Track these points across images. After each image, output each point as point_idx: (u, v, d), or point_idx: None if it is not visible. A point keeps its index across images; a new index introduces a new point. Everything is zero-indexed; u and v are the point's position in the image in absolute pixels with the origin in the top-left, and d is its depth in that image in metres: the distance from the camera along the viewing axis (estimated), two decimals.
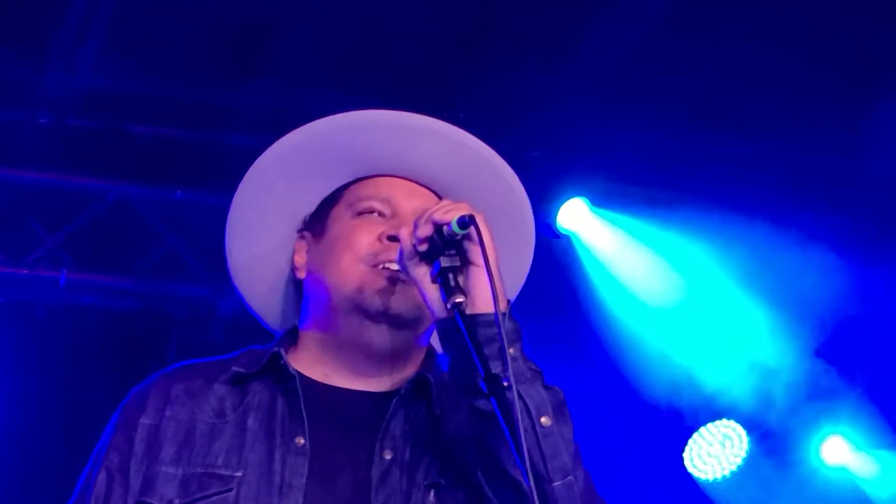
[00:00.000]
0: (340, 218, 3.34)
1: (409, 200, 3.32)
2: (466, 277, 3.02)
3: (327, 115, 3.39)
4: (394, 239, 3.20)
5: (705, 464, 7.66)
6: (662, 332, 7.24)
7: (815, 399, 7.47)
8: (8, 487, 6.60)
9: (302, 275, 3.37)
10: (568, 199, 6.91)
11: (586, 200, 6.95)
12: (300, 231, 3.42)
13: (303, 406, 3.17)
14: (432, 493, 3.11)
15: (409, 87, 6.09)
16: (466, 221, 2.98)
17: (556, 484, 2.99)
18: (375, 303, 3.20)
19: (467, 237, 3.01)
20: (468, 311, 2.98)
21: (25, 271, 6.82)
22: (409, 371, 3.29)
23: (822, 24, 6.28)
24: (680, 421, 7.53)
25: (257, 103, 6.66)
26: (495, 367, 2.89)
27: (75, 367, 6.88)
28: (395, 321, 3.21)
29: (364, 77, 6.31)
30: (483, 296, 2.98)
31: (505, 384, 2.84)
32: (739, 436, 7.61)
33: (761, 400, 7.43)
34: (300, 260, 3.39)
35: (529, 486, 2.63)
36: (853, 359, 7.42)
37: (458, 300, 2.96)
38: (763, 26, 6.34)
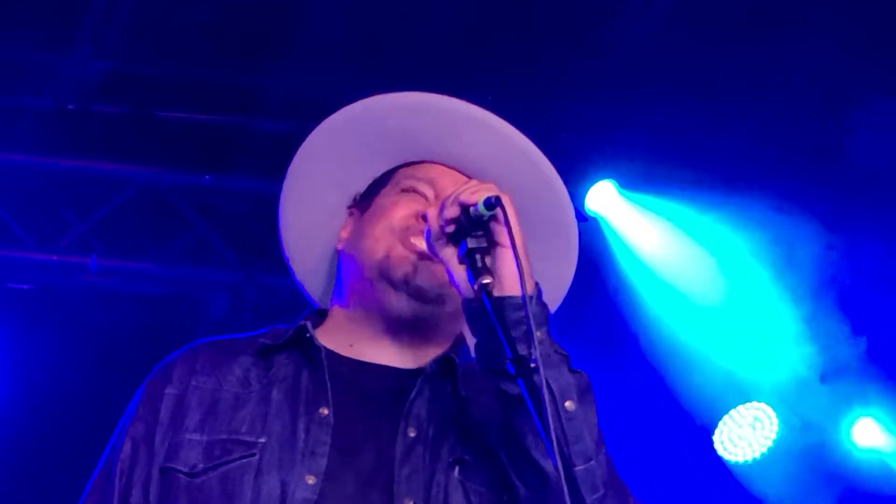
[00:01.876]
0: (386, 194, 3.38)
1: (454, 186, 3.28)
2: (493, 259, 3.01)
3: (355, 99, 3.42)
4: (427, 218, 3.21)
5: (735, 446, 7.64)
6: (691, 315, 7.21)
7: (846, 381, 7.43)
8: (38, 472, 6.64)
9: (341, 246, 3.41)
10: (596, 181, 6.90)
11: (614, 183, 6.93)
12: (350, 208, 3.46)
13: (327, 377, 3.18)
14: (457, 469, 3.11)
15: (435, 71, 6.07)
16: (493, 202, 2.97)
17: (578, 468, 2.97)
18: (399, 273, 3.22)
19: (494, 218, 3.00)
20: (495, 293, 2.97)
21: (55, 257, 6.84)
22: (435, 351, 3.29)
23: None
24: (710, 403, 7.50)
25: (285, 87, 6.65)
26: (522, 350, 2.88)
27: (105, 352, 6.91)
28: (416, 293, 3.22)
29: (391, 59, 6.29)
30: (510, 277, 2.97)
31: (532, 366, 2.82)
32: (770, 418, 7.58)
33: (792, 382, 7.39)
34: (344, 234, 3.43)
35: (557, 467, 2.61)
36: (884, 341, 7.38)
37: (485, 281, 2.95)
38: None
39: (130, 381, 3.43)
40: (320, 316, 3.40)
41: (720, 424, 7.61)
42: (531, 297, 2.96)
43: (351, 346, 3.29)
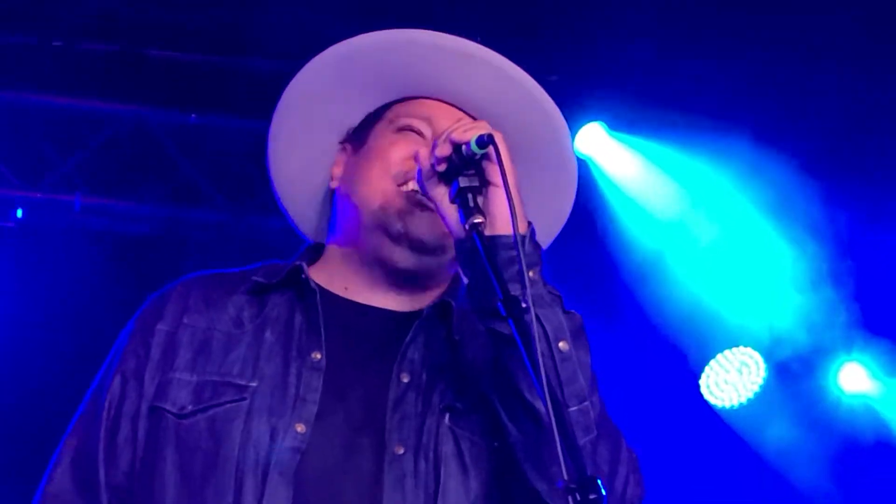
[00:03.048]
0: (382, 132, 3.33)
1: (450, 123, 3.25)
2: (486, 198, 2.98)
3: (346, 36, 3.38)
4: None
5: (722, 391, 7.64)
6: (680, 258, 7.20)
7: (833, 327, 7.43)
8: (19, 409, 6.62)
9: (335, 184, 3.37)
10: (586, 123, 6.86)
11: (604, 125, 6.90)
12: (342, 143, 3.41)
13: (321, 321, 3.15)
14: (447, 416, 3.09)
15: (428, 9, 6.01)
16: (485, 140, 2.94)
17: (571, 409, 2.96)
18: (397, 225, 3.18)
19: (486, 157, 2.96)
20: (487, 233, 2.93)
21: (39, 195, 6.81)
22: (431, 294, 3.27)
23: None
24: (697, 348, 7.50)
25: (274, 25, 6.58)
26: (514, 290, 2.84)
27: (89, 291, 6.87)
28: (417, 246, 3.19)
29: None
30: (502, 217, 2.94)
31: (523, 306, 2.78)
32: (757, 363, 7.59)
33: (779, 327, 7.39)
34: (337, 171, 3.38)
35: (546, 407, 2.58)
36: (871, 288, 7.38)
37: (476, 221, 2.92)
38: None
39: (114, 320, 3.41)
40: (315, 252, 3.37)
41: (706, 369, 7.61)
42: (523, 237, 2.93)
43: (346, 288, 3.27)
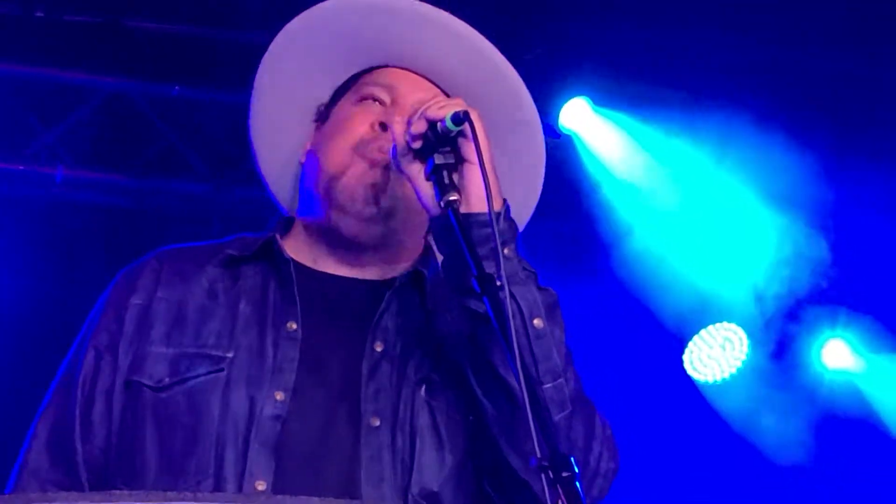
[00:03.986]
0: (343, 105, 3.33)
1: (413, 92, 3.28)
2: (461, 175, 2.98)
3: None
4: (385, 128, 3.18)
5: (705, 366, 7.66)
6: (663, 234, 7.20)
7: (816, 303, 7.45)
8: (3, 382, 6.61)
9: (303, 159, 3.36)
10: (570, 98, 6.85)
11: (588, 100, 6.89)
12: (315, 121, 3.41)
13: (296, 291, 3.15)
14: (423, 388, 3.10)
15: None
16: (461, 117, 2.93)
17: (546, 386, 2.97)
18: (344, 195, 3.18)
19: (461, 134, 2.96)
20: (462, 210, 2.93)
21: (21, 167, 6.78)
22: (403, 264, 3.27)
23: None
24: (679, 323, 7.51)
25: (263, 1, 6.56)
26: (489, 268, 2.84)
27: (71, 264, 6.87)
28: (367, 217, 3.19)
29: None
30: (477, 194, 2.94)
31: (498, 284, 2.78)
32: (740, 338, 7.60)
33: (762, 304, 7.40)
34: (308, 144, 3.37)
35: (520, 385, 2.58)
36: (853, 264, 7.39)
37: (451, 198, 2.92)
38: None
39: (96, 293, 3.40)
40: (286, 225, 3.37)
41: (690, 344, 7.62)
42: (498, 214, 2.93)
43: (314, 261, 3.27)
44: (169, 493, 2.33)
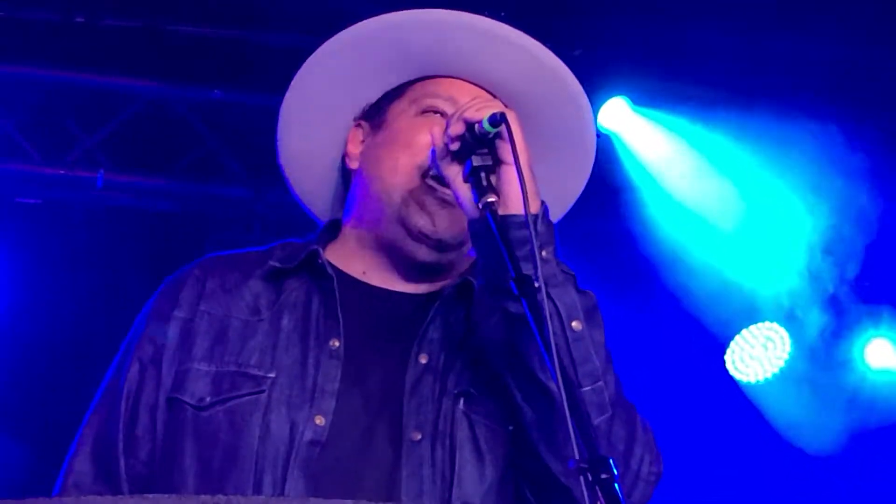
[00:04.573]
0: (403, 113, 3.31)
1: None
2: (499, 177, 2.98)
3: (369, 15, 3.36)
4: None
5: (747, 366, 7.63)
6: (705, 233, 7.17)
7: (859, 302, 7.40)
8: (43, 388, 6.64)
9: (354, 165, 3.35)
10: (609, 98, 6.83)
11: (627, 100, 6.87)
12: (357, 119, 3.38)
13: (339, 307, 3.14)
14: (462, 401, 3.10)
15: None
16: (498, 119, 2.94)
17: (585, 389, 2.97)
18: (419, 223, 3.17)
19: (499, 136, 2.96)
20: (500, 212, 2.93)
21: (62, 172, 6.80)
22: (451, 277, 3.26)
23: None
24: (722, 323, 7.48)
25: (297, 2, 6.57)
26: (527, 269, 2.83)
27: (112, 268, 6.89)
28: (438, 245, 3.19)
29: None
30: (515, 196, 2.93)
31: (536, 286, 2.77)
32: (782, 338, 7.56)
33: (805, 303, 7.37)
34: (354, 149, 3.36)
35: (558, 386, 2.57)
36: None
37: (489, 200, 2.92)
38: None
39: (136, 297, 3.41)
40: (333, 230, 3.36)
41: (732, 344, 7.59)
42: (536, 216, 2.93)
43: (364, 272, 3.26)
44: (203, 497, 2.33)
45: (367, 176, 3.29)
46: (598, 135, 6.69)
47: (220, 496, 2.14)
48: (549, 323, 2.67)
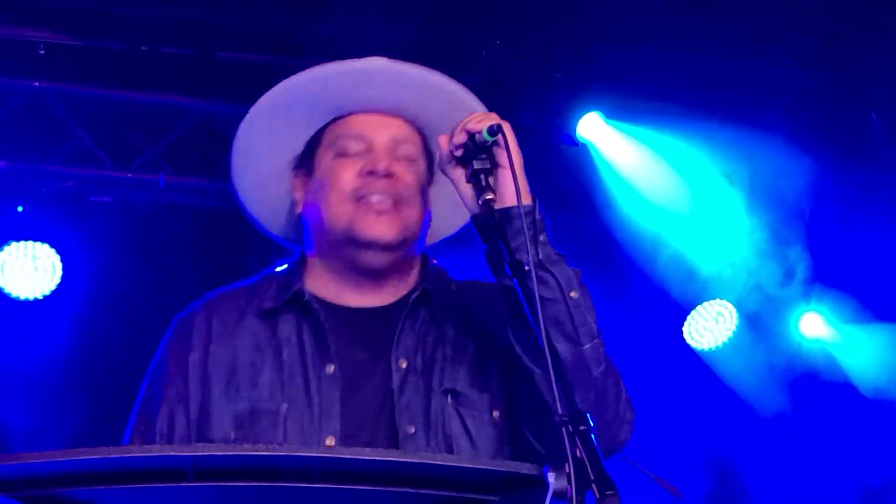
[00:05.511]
0: (325, 157, 3.27)
1: (380, 132, 3.26)
2: (496, 178, 2.99)
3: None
4: (372, 173, 3.17)
5: (702, 336, 7.65)
6: (667, 226, 7.18)
7: (795, 281, 7.41)
8: (110, 378, 6.56)
9: (300, 209, 3.30)
10: (585, 112, 6.81)
11: (601, 114, 6.85)
12: (294, 170, 3.34)
13: (328, 334, 3.14)
14: (449, 397, 3.11)
15: (444, 16, 5.93)
16: (495, 129, 2.95)
17: (586, 346, 3.00)
18: (365, 234, 3.15)
19: (496, 144, 2.97)
20: (497, 207, 2.96)
21: (130, 175, 6.83)
22: (408, 281, 3.26)
23: None
24: (681, 301, 7.50)
25: (328, 34, 6.57)
26: (521, 256, 2.88)
27: (170, 256, 6.89)
28: (385, 247, 3.17)
29: (409, 8, 6.16)
30: (510, 193, 2.96)
31: (526, 269, 2.82)
32: (730, 312, 7.59)
33: (749, 282, 7.38)
34: (298, 195, 3.31)
35: (542, 345, 2.60)
36: (828, 248, 7.35)
37: (487, 197, 2.95)
38: None
39: (192, 283, 3.37)
40: (303, 263, 3.31)
41: (688, 318, 7.62)
42: (529, 209, 2.95)
43: (338, 296, 3.24)
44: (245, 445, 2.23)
45: (313, 216, 3.25)
46: (576, 144, 6.79)
47: (261, 444, 2.12)
48: (537, 297, 2.70)
